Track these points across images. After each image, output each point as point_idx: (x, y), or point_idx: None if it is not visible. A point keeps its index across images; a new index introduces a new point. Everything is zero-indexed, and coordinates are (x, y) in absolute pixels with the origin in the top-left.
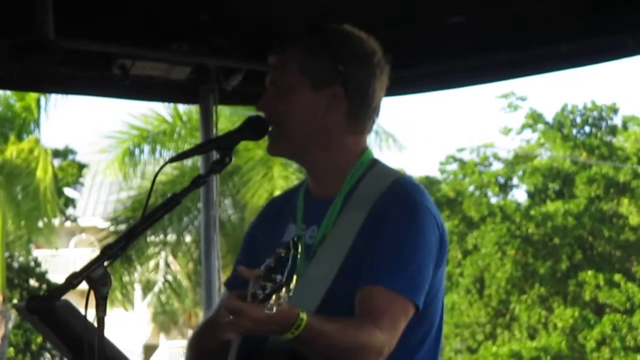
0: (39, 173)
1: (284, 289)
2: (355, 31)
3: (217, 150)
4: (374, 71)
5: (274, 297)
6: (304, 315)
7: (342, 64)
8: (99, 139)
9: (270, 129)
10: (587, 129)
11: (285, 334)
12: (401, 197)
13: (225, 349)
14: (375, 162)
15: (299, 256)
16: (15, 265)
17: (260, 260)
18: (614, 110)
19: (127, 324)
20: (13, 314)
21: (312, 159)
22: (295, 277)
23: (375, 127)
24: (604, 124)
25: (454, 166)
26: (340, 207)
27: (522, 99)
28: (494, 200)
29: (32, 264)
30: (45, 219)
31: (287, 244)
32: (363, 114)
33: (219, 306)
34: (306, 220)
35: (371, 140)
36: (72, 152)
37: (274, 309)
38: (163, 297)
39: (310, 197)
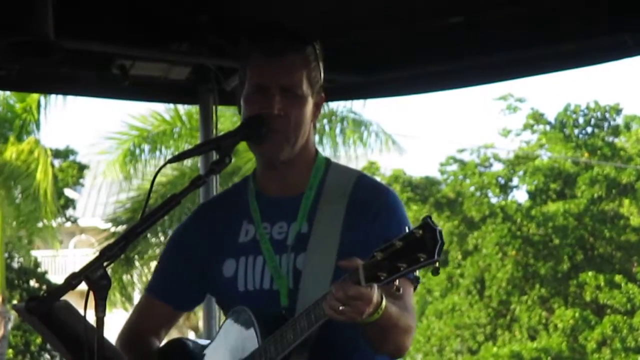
0: (39, 174)
1: (429, 267)
2: None
3: (216, 150)
4: None
5: (398, 280)
6: (383, 298)
7: (323, 72)
8: (99, 140)
9: (268, 131)
10: (589, 129)
11: (373, 314)
12: (378, 189)
13: (156, 355)
14: (329, 160)
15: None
16: (15, 266)
17: (204, 262)
18: (617, 110)
19: None
20: (13, 315)
21: (291, 161)
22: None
23: (375, 128)
24: (606, 124)
25: (454, 167)
26: (312, 201)
27: (521, 100)
28: (494, 200)
29: (32, 264)
30: (45, 221)
31: (424, 224)
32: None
33: (141, 311)
34: (267, 219)
35: (371, 142)
36: (72, 152)
37: (401, 290)
38: None
39: (266, 196)
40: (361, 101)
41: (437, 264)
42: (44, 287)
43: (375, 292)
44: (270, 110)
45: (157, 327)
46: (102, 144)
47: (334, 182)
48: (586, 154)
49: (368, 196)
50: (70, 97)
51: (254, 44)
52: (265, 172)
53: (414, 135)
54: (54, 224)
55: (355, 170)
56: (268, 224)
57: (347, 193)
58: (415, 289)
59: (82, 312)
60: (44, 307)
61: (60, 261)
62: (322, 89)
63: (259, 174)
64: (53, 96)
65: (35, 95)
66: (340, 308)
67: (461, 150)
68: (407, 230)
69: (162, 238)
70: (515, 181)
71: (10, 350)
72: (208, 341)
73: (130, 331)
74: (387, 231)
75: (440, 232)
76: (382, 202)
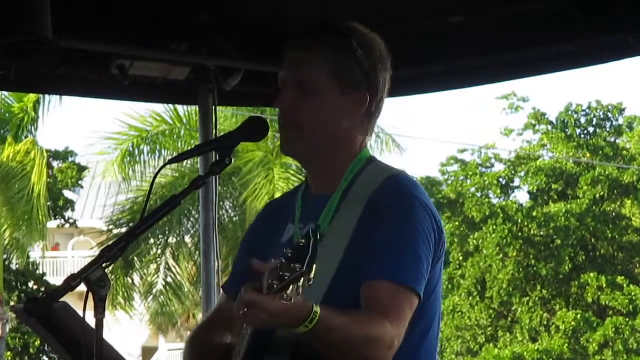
0: (34, 176)
1: (302, 279)
2: (374, 34)
3: (216, 151)
4: (389, 74)
5: (291, 287)
6: (317, 309)
7: (369, 68)
8: (98, 141)
9: (282, 128)
10: (591, 129)
11: (299, 327)
12: (397, 191)
13: (225, 349)
14: (372, 160)
15: (318, 245)
16: (14, 267)
17: (260, 259)
18: (621, 110)
19: (126, 326)
20: (11, 317)
21: (322, 159)
22: (314, 266)
23: (375, 128)
24: (608, 124)
25: (455, 167)
26: (337, 203)
27: (524, 99)
28: (495, 201)
29: (31, 266)
30: (38, 222)
31: (306, 234)
32: (377, 115)
33: (217, 306)
34: (304, 219)
35: (372, 142)
36: (71, 154)
37: (292, 300)
38: (162, 299)
39: (309, 195)
40: None
41: (309, 275)
42: (43, 288)
43: (279, 304)
44: (279, 105)
45: (229, 322)
46: (101, 144)
47: (362, 184)
48: (588, 154)
49: (385, 199)
50: (68, 98)
51: (287, 43)
52: (306, 170)
53: (414, 136)
54: (49, 226)
55: (392, 170)
56: (303, 224)
57: (368, 195)
58: (417, 296)
59: (81, 313)
60: (43, 309)
61: (59, 263)
62: (368, 85)
63: None
64: (51, 96)
65: (32, 96)
66: (241, 312)
67: (462, 151)
68: (409, 240)
69: (162, 239)
70: (516, 182)
71: (9, 353)
72: None
73: (205, 324)
74: (385, 238)
75: (314, 244)
76: (393, 207)
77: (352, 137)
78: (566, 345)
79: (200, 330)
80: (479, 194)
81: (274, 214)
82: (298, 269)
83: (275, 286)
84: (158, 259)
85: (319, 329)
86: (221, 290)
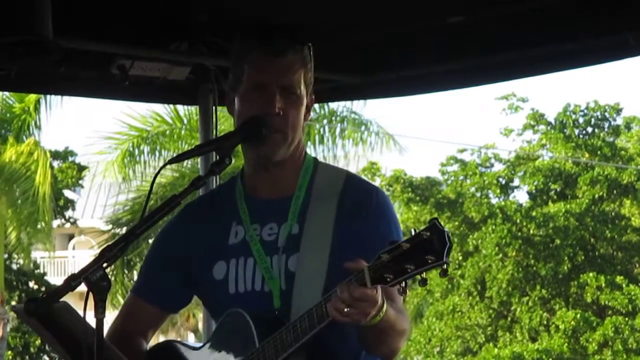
0: (38, 177)
1: (429, 272)
2: None
3: (216, 151)
4: None
5: (404, 282)
6: (384, 300)
7: (313, 73)
8: (98, 140)
9: (268, 132)
10: (589, 129)
11: (375, 317)
12: (368, 189)
13: (144, 357)
14: (316, 160)
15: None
16: (14, 267)
17: (193, 264)
18: (618, 110)
19: None
20: (12, 316)
21: (287, 162)
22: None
23: (375, 128)
24: (606, 124)
25: (454, 167)
26: (302, 202)
27: (523, 100)
28: (495, 201)
29: (31, 266)
30: (43, 223)
31: (431, 226)
32: None
33: (128, 313)
34: (257, 220)
35: (372, 142)
36: (71, 154)
37: (407, 291)
38: None
39: (255, 197)
40: (361, 101)
41: (445, 266)
42: (43, 288)
43: (380, 295)
44: (270, 109)
45: (143, 328)
46: (101, 144)
47: (323, 182)
48: (586, 154)
49: (359, 196)
50: (68, 98)
51: (253, 42)
52: (256, 173)
53: (414, 136)
54: (53, 225)
55: (343, 169)
56: (258, 225)
57: (337, 193)
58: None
59: (81, 313)
60: (43, 309)
61: (59, 262)
62: (313, 90)
63: (247, 175)
64: (51, 96)
65: (33, 96)
66: (345, 310)
67: (462, 151)
68: (394, 230)
69: None
70: (516, 182)
71: (10, 352)
72: (200, 344)
73: (116, 333)
74: (377, 230)
75: (449, 234)
76: (373, 202)
77: (301, 140)
78: (566, 344)
79: (114, 339)
80: (478, 194)
81: (205, 217)
82: (431, 261)
83: (389, 279)
84: None
85: (384, 318)
86: (131, 295)
